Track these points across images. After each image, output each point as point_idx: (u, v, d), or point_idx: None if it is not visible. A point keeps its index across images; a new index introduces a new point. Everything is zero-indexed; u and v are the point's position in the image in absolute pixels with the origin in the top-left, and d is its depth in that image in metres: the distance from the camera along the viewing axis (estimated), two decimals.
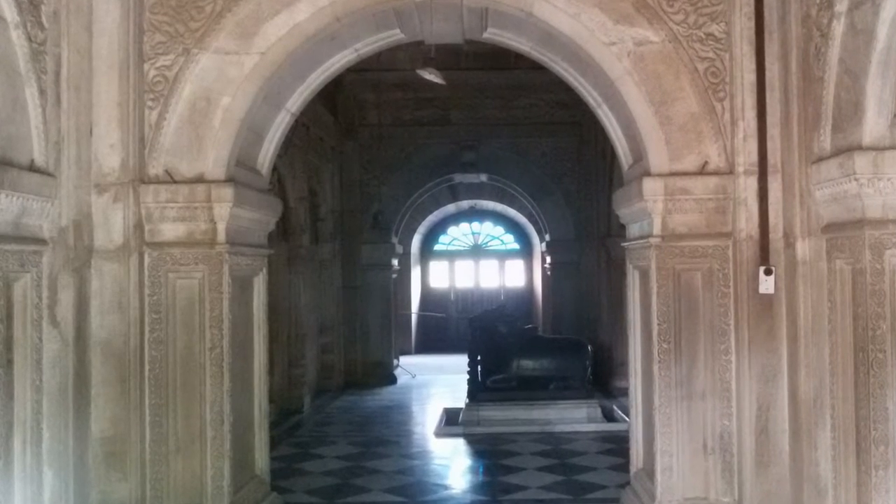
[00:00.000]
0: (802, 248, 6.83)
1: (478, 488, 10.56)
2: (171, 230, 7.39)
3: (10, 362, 5.93)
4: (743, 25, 7.29)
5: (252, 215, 7.95)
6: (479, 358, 14.60)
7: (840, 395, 6.15)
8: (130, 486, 7.28)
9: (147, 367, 7.29)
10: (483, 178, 20.87)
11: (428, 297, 28.05)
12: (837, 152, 5.99)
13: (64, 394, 6.70)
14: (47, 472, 6.39)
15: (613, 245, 15.70)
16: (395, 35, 8.39)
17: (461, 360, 15.60)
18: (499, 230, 28.20)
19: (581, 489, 10.08)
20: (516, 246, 28.11)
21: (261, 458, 8.35)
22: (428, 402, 17.35)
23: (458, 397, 15.83)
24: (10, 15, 5.92)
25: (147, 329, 7.30)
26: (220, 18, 7.34)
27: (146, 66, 7.37)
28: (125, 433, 7.28)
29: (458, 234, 28.41)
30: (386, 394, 18.48)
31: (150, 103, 7.37)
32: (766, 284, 7.20)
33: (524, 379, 14.49)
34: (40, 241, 6.37)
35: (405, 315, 25.48)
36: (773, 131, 7.23)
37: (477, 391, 14.43)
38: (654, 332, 7.41)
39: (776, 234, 7.23)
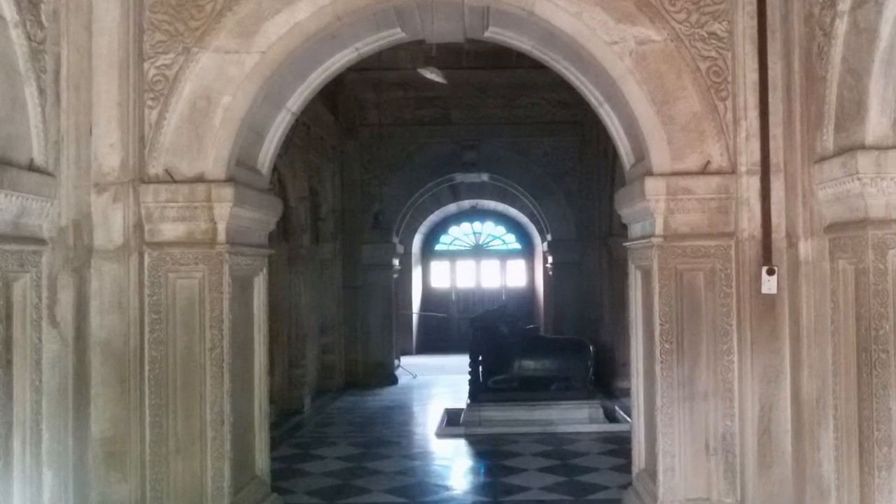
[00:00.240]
0: (805, 247, 6.81)
1: (479, 489, 10.54)
2: (171, 230, 7.37)
3: (9, 363, 5.91)
4: (745, 24, 7.26)
5: (252, 215, 7.93)
6: (480, 358, 14.58)
7: (843, 396, 6.13)
8: (130, 486, 7.26)
9: (147, 368, 7.27)
10: (484, 177, 20.86)
11: (429, 297, 28.04)
12: (840, 152, 5.97)
13: (63, 394, 6.68)
14: (47, 472, 6.37)
15: (615, 245, 15.68)
16: (395, 34, 8.37)
17: (462, 361, 15.58)
18: (500, 230, 28.18)
19: (583, 490, 10.06)
20: (518, 246, 28.09)
21: (261, 459, 8.33)
22: (429, 403, 17.33)
23: (459, 398, 15.81)
24: (10, 14, 5.90)
25: (147, 329, 7.28)
26: (220, 17, 7.32)
27: (146, 66, 7.35)
28: (125, 434, 7.25)
29: (460, 234, 28.40)
30: (387, 394, 18.46)
31: (150, 102, 7.35)
32: (769, 284, 7.18)
33: (526, 379, 14.48)
34: (40, 241, 6.35)
35: (406, 315, 25.46)
36: (776, 131, 7.21)
37: (478, 392, 14.42)
38: (657, 333, 7.38)
39: (779, 234, 7.21)
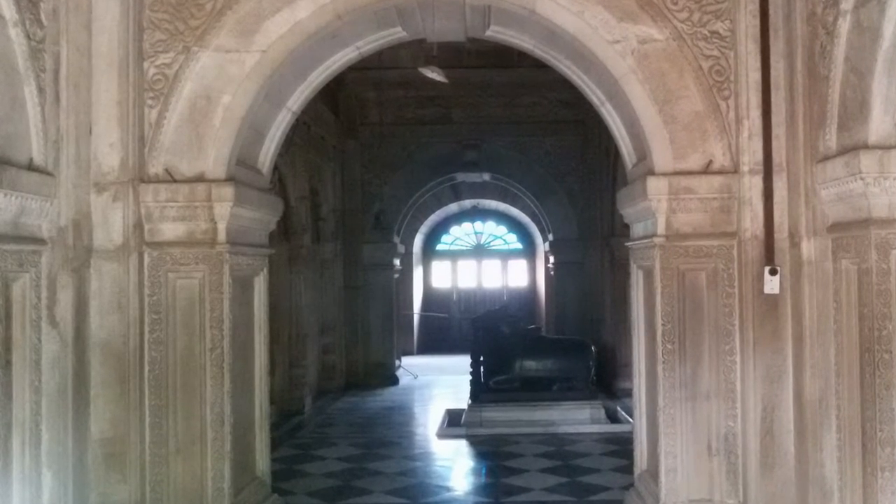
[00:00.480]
0: (808, 247, 6.79)
1: (480, 490, 10.54)
2: (171, 230, 7.35)
3: (8, 363, 5.90)
4: (748, 23, 7.25)
5: (253, 215, 7.91)
6: (481, 358, 14.56)
7: (846, 396, 6.11)
8: (130, 487, 7.24)
9: (147, 368, 7.25)
10: (486, 177, 20.83)
11: (430, 297, 28.02)
12: (843, 151, 5.96)
13: (63, 395, 6.66)
14: (46, 473, 6.35)
15: (617, 245, 15.66)
16: (396, 33, 8.35)
17: (464, 361, 15.56)
18: (501, 230, 28.17)
19: (585, 491, 10.04)
20: (519, 246, 28.08)
21: (261, 460, 8.31)
22: (430, 403, 17.32)
23: (460, 398, 15.77)
24: (9, 13, 5.88)
25: (147, 329, 7.26)
26: (220, 16, 7.30)
27: (146, 65, 7.33)
28: (125, 434, 7.24)
29: (461, 234, 28.39)
30: (388, 395, 18.45)
31: (149, 102, 7.33)
32: (772, 284, 7.16)
33: (527, 380, 14.47)
34: (39, 241, 6.34)
35: (407, 315, 25.44)
36: (779, 130, 7.19)
37: (479, 392, 14.39)
38: (659, 333, 7.36)
39: (781, 234, 7.19)
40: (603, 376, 16.36)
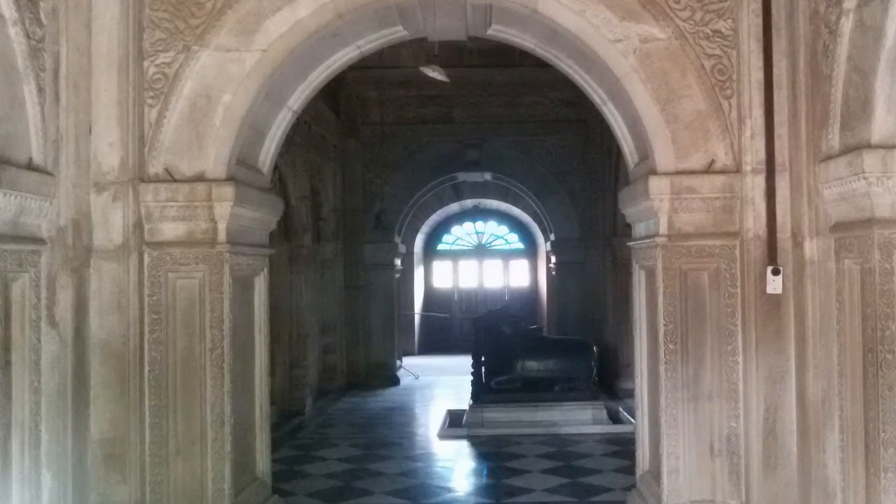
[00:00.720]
0: (810, 247, 6.77)
1: (482, 491, 10.51)
2: (171, 229, 7.33)
3: (8, 363, 5.87)
4: (750, 22, 7.23)
5: (253, 214, 7.89)
6: (482, 359, 14.55)
7: (848, 397, 6.09)
8: (130, 488, 7.22)
9: (147, 369, 7.23)
10: (487, 176, 20.82)
11: (431, 297, 28.01)
12: (846, 150, 5.94)
13: (62, 395, 6.64)
14: (46, 474, 6.33)
15: (619, 244, 15.65)
16: (397, 32, 8.33)
17: (465, 362, 15.57)
18: (503, 229, 28.15)
19: (586, 492, 10.03)
20: (521, 245, 28.06)
21: (262, 461, 8.30)
22: (431, 404, 17.30)
23: (461, 399, 15.74)
24: (8, 11, 5.85)
25: (147, 330, 7.24)
26: (220, 15, 7.28)
27: (146, 64, 7.31)
28: (124, 435, 7.22)
29: (462, 234, 28.37)
30: (389, 395, 18.43)
31: (149, 101, 7.31)
32: (774, 284, 7.14)
33: (529, 380, 14.45)
34: (39, 241, 6.31)
35: (408, 315, 25.42)
36: (781, 129, 7.17)
37: (481, 392, 14.37)
38: (661, 333, 7.34)
39: (784, 234, 7.17)
40: (605, 377, 16.36)
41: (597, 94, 8.40)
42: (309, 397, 16.09)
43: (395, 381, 19.91)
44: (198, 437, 7.27)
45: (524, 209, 24.58)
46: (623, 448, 11.76)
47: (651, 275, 7.71)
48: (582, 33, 7.36)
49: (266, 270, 8.40)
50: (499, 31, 8.35)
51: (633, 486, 8.58)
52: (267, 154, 8.42)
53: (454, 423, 14.33)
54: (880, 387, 5.61)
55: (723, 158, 7.29)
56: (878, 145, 5.62)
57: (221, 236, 7.32)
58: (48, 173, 6.40)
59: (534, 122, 19.66)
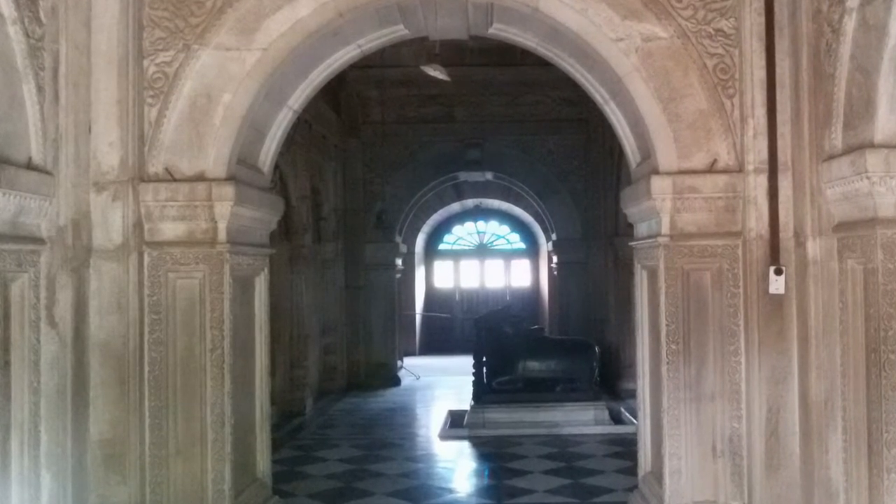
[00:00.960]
0: (813, 247, 6.74)
1: (483, 492, 10.49)
2: (171, 229, 7.31)
3: (7, 364, 5.86)
4: (753, 21, 7.20)
5: (253, 214, 7.87)
6: (484, 359, 14.53)
7: (851, 397, 6.07)
8: (130, 489, 7.21)
9: (147, 369, 7.22)
10: (488, 176, 20.78)
11: (432, 297, 27.99)
12: (849, 150, 5.91)
13: (62, 396, 6.62)
14: (45, 475, 6.32)
15: (621, 244, 15.58)
16: (398, 31, 8.31)
17: (466, 362, 15.55)
18: (504, 229, 28.14)
19: (588, 493, 10.00)
20: (522, 245, 28.05)
21: (262, 461, 8.28)
22: (432, 405, 17.27)
23: (462, 399, 15.73)
24: (8, 10, 5.84)
25: (147, 330, 7.23)
26: (220, 14, 7.27)
27: (146, 63, 7.30)
28: (124, 436, 7.20)
29: (463, 234, 28.35)
30: (389, 396, 18.41)
31: (149, 100, 7.29)
32: (777, 284, 7.12)
33: (530, 380, 14.42)
34: (38, 241, 6.30)
35: (409, 316, 25.40)
36: (784, 129, 7.15)
37: (482, 393, 14.34)
38: (663, 333, 7.32)
39: (786, 234, 7.15)
40: (607, 377, 16.34)
41: (598, 94, 8.37)
42: (309, 398, 16.07)
43: (396, 382, 19.88)
44: (198, 437, 7.25)
45: (525, 209, 24.57)
46: (625, 449, 11.74)
47: (653, 275, 7.68)
48: (583, 32, 7.34)
49: (266, 270, 8.38)
50: (500, 30, 8.33)
51: (635, 487, 8.55)
52: (267, 153, 8.40)
53: (455, 424, 14.32)
54: (883, 387, 5.58)
55: (725, 158, 7.27)
56: (881, 145, 5.60)
57: (222, 236, 7.30)
58: (47, 173, 6.38)
59: (535, 121, 19.62)
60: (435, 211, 25.64)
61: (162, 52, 7.29)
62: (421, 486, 10.63)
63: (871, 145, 5.62)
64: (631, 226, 8.61)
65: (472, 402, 14.32)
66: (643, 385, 8.17)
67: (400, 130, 19.60)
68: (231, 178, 7.32)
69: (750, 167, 7.24)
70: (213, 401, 7.23)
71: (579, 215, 19.90)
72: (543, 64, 9.37)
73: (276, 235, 11.03)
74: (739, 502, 7.25)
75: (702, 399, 7.27)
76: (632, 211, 8.30)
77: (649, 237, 7.72)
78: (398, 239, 20.29)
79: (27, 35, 6.07)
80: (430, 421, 15.43)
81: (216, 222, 7.29)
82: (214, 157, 7.29)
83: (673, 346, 7.29)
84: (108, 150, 7.23)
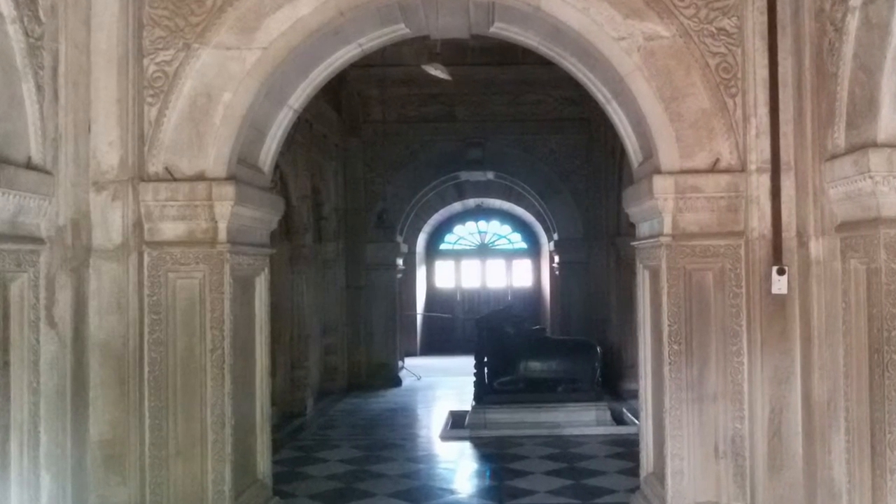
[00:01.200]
0: (816, 247, 6.72)
1: (484, 492, 10.46)
2: (171, 229, 7.30)
3: (6, 364, 5.84)
4: (755, 20, 7.19)
5: (254, 214, 7.85)
6: (485, 359, 14.49)
7: (854, 398, 6.05)
8: (130, 490, 7.19)
9: (146, 369, 7.20)
10: (490, 175, 20.74)
11: (433, 297, 27.96)
12: (852, 149, 5.90)
13: (62, 396, 6.60)
14: (44, 476, 6.30)
15: (623, 244, 15.58)
16: (399, 30, 8.29)
17: (467, 362, 15.52)
18: (506, 229, 28.10)
19: (590, 494, 9.97)
20: (524, 245, 28.01)
21: (263, 462, 8.26)
22: (433, 405, 17.24)
23: (464, 400, 15.71)
24: (7, 9, 5.82)
25: (146, 330, 7.21)
26: (221, 13, 7.25)
27: (146, 62, 7.28)
28: (124, 436, 7.18)
29: (465, 233, 28.31)
30: (390, 396, 18.38)
31: (149, 99, 7.28)
32: (779, 285, 7.10)
33: (532, 381, 14.38)
34: (37, 241, 6.28)
35: (410, 316, 25.37)
36: (786, 128, 7.13)
37: (483, 393, 14.31)
38: (665, 334, 7.30)
39: (789, 233, 7.13)
40: (608, 377, 16.29)
41: (600, 93, 8.36)
42: (310, 398, 16.04)
43: (397, 382, 19.85)
44: (198, 438, 7.24)
45: (527, 208, 24.54)
46: (627, 450, 11.71)
47: (655, 275, 7.67)
48: (585, 31, 7.33)
49: (267, 270, 8.37)
50: (501, 29, 8.31)
51: (637, 488, 8.54)
52: (268, 153, 8.38)
53: (457, 425, 14.29)
54: (886, 388, 5.56)
55: (727, 157, 7.25)
56: (884, 144, 5.58)
57: (222, 236, 7.29)
58: (47, 172, 6.36)
59: (537, 120, 19.58)
60: (436, 211, 25.61)
61: (162, 51, 7.28)
62: (422, 487, 10.61)
63: (874, 144, 5.61)
64: (633, 225, 8.60)
65: (474, 403, 14.30)
66: (645, 385, 8.15)
67: (401, 130, 19.57)
68: (231, 178, 7.31)
69: (752, 167, 7.22)
70: (213, 401, 7.22)
71: (581, 215, 19.86)
72: (545, 63, 9.36)
73: (277, 235, 11.01)
74: (742, 503, 7.22)
75: (704, 399, 7.26)
76: (634, 211, 8.28)
77: (651, 237, 7.70)
78: (399, 239, 20.27)
79: (26, 34, 6.05)
80: (432, 421, 15.40)
81: (216, 222, 7.27)
82: (215, 157, 7.28)
83: (675, 347, 7.27)
84: (107, 150, 7.21)
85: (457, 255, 28.34)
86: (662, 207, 7.27)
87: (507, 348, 14.42)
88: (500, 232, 28.20)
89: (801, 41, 6.86)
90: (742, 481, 7.23)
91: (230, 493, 7.27)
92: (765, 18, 7.15)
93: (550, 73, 14.25)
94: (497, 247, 28.28)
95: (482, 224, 28.19)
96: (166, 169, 7.25)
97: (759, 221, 7.22)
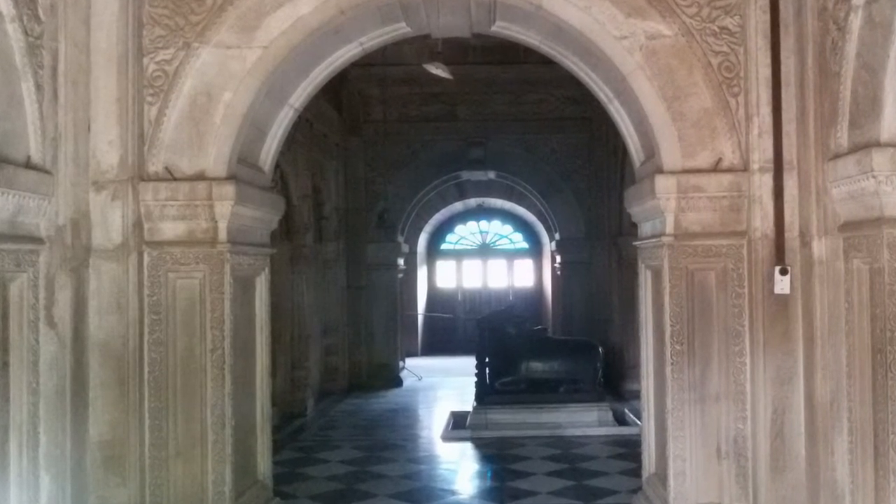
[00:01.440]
0: (819, 247, 6.71)
1: (486, 493, 10.44)
2: (171, 229, 7.28)
3: (5, 364, 5.83)
4: (758, 19, 7.18)
5: (254, 214, 7.84)
6: (486, 360, 14.48)
7: (857, 398, 6.04)
8: (129, 491, 7.18)
9: (146, 370, 7.19)
10: (491, 175, 20.72)
11: (434, 297, 27.94)
12: (854, 149, 5.89)
13: (61, 396, 6.59)
14: (44, 476, 6.28)
15: (625, 244, 15.58)
16: (400, 28, 8.27)
17: (468, 363, 15.51)
18: (507, 229, 28.09)
19: (592, 495, 9.95)
20: (525, 245, 27.99)
21: (263, 463, 8.25)
22: (434, 406, 17.22)
23: (465, 400, 15.72)
24: (6, 8, 5.80)
25: (146, 330, 7.19)
26: (221, 11, 7.24)
27: (145, 61, 7.27)
28: (124, 437, 7.17)
29: (466, 233, 28.30)
30: (391, 397, 18.36)
31: (149, 99, 7.26)
32: (782, 284, 7.09)
33: (533, 381, 14.36)
34: (37, 240, 6.26)
35: (411, 316, 25.35)
36: (789, 127, 7.12)
37: (485, 394, 14.30)
38: (667, 334, 7.29)
39: (792, 233, 7.11)
40: (610, 378, 16.28)
41: (602, 92, 8.34)
42: (311, 399, 16.03)
43: (398, 383, 19.83)
44: (198, 439, 7.23)
45: (529, 208, 24.53)
46: (629, 450, 11.69)
47: (657, 275, 7.65)
48: (587, 30, 7.31)
49: (267, 270, 8.35)
50: (503, 28, 8.29)
51: (639, 488, 8.53)
52: (268, 152, 8.37)
53: (458, 425, 14.26)
54: (889, 388, 5.55)
55: (730, 157, 7.23)
56: (887, 143, 5.58)
57: (222, 236, 7.27)
58: (46, 172, 6.35)
59: (538, 120, 19.57)
60: (437, 210, 25.59)
61: (162, 50, 7.26)
62: (423, 488, 10.59)
63: (878, 144, 5.60)
64: (635, 225, 8.58)
65: (475, 403, 14.28)
66: (647, 386, 8.14)
67: (402, 129, 19.56)
68: (232, 178, 7.29)
69: (755, 166, 7.20)
70: (213, 402, 7.20)
71: (583, 215, 19.85)
72: (547, 62, 9.35)
73: (277, 235, 11.00)
74: None
75: (706, 400, 7.24)
76: (636, 210, 8.26)
77: (653, 237, 7.69)
78: (400, 238, 20.26)
79: (26, 33, 6.03)
80: (433, 422, 15.38)
81: (216, 222, 7.26)
82: (215, 156, 7.26)
83: (677, 347, 7.25)
84: (107, 149, 7.19)
85: (458, 254, 28.33)
86: (664, 207, 7.25)
87: (509, 349, 14.40)
88: (501, 232, 28.19)
89: (803, 40, 6.84)
90: (744, 482, 7.21)
91: (230, 494, 7.25)
92: (767, 17, 7.13)
93: (552, 73, 14.30)
94: (498, 247, 28.26)
95: (483, 224, 28.18)
96: (166, 168, 7.23)
97: (762, 221, 7.20)
